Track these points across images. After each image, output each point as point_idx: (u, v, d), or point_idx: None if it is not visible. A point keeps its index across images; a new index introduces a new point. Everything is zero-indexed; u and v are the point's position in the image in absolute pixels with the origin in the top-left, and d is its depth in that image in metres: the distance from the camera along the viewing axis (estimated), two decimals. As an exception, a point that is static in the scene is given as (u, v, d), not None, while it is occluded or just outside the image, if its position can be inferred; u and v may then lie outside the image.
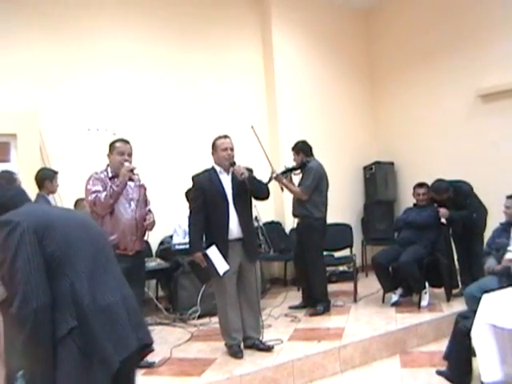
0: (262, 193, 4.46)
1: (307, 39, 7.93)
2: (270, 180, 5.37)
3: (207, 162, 4.51)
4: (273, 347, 4.31)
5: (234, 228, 4.24)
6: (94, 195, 3.95)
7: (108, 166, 4.19)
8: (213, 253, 4.15)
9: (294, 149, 5.71)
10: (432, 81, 7.46)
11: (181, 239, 6.08)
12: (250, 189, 4.28)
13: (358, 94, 8.37)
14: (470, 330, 3.29)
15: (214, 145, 4.37)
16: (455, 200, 5.56)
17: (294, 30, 7.81)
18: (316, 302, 5.54)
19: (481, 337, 3.02)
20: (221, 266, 4.13)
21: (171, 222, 6.32)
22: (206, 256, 4.17)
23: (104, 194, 3.95)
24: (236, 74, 7.59)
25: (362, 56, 8.49)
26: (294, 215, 5.70)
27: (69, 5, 6.29)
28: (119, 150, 4.17)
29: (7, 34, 5.95)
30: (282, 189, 5.63)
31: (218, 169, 4.33)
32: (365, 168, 8.11)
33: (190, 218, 4.37)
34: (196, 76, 7.23)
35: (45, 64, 6.15)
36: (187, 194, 5.47)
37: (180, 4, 7.13)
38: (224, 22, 7.51)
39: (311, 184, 5.42)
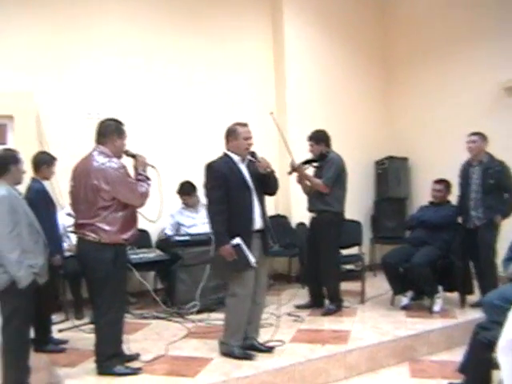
0: (275, 188, 4.19)
1: (319, 27, 7.61)
2: (292, 171, 5.21)
3: (213, 151, 4.22)
4: (273, 348, 4.05)
5: (257, 219, 4.00)
6: (144, 187, 3.69)
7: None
8: (243, 245, 3.86)
9: (313, 138, 5.38)
10: (451, 72, 7.08)
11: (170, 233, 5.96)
12: (268, 182, 4.07)
13: (371, 85, 8.03)
14: (490, 342, 3.00)
15: (233, 131, 4.02)
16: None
17: (305, 17, 7.49)
18: (322, 301, 5.35)
19: (509, 355, 2.70)
20: (251, 258, 3.87)
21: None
22: (235, 248, 3.83)
23: (148, 183, 3.75)
24: (245, 63, 7.32)
25: (376, 45, 8.13)
26: (311, 210, 5.40)
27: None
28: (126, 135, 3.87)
29: (3, 15, 5.73)
30: (301, 182, 5.38)
31: (234, 157, 4.00)
32: (377, 162, 7.79)
33: (211, 208, 3.93)
34: (203, 65, 6.98)
35: (43, 45, 5.94)
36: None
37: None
38: (234, 10, 7.26)
39: (333, 176, 5.18)
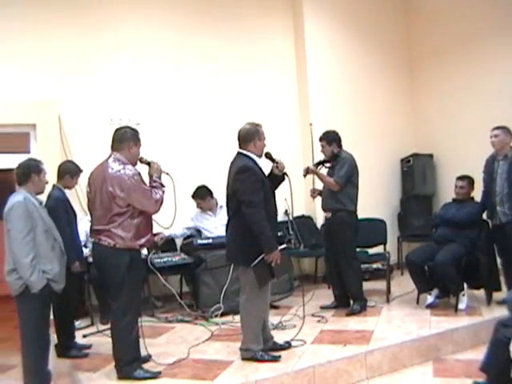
0: (277, 188, 4.16)
1: (341, 24, 7.57)
2: (307, 173, 5.26)
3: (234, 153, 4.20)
4: (290, 345, 4.09)
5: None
6: (159, 194, 3.73)
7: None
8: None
9: (324, 139, 5.35)
10: (476, 67, 6.93)
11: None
12: (278, 184, 4.09)
13: (395, 81, 7.93)
14: (510, 340, 2.93)
15: (257, 132, 3.98)
16: None
17: (326, 15, 7.47)
18: (347, 301, 5.32)
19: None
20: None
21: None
22: (281, 252, 3.81)
23: (163, 190, 3.79)
24: (266, 63, 7.33)
25: (400, 40, 8.03)
26: (325, 209, 5.38)
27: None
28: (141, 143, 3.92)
29: (26, 24, 5.86)
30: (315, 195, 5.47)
31: (256, 159, 3.96)
32: (402, 160, 7.69)
33: (255, 212, 3.73)
34: (224, 65, 7.02)
35: (65, 53, 6.05)
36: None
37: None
38: (254, 9, 7.27)
39: (345, 175, 5.16)
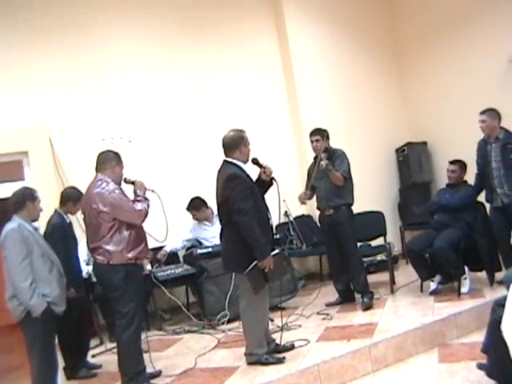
0: (265, 193, 4.18)
1: (323, 19, 7.60)
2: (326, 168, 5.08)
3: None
4: (293, 346, 4.11)
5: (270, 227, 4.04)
6: (142, 206, 3.84)
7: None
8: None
9: (319, 133, 5.28)
10: (463, 51, 6.91)
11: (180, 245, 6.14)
12: (267, 188, 4.12)
13: (383, 72, 7.95)
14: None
15: (242, 138, 4.00)
16: None
17: (307, 11, 7.50)
18: (352, 295, 5.36)
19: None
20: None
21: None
22: (274, 258, 3.83)
23: (147, 203, 3.91)
24: (252, 66, 7.37)
25: (384, 28, 8.04)
26: (326, 207, 5.32)
27: (78, 15, 6.24)
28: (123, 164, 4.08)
29: (12, 50, 5.93)
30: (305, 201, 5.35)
31: (242, 165, 3.98)
32: (397, 150, 7.71)
33: (246, 219, 3.75)
34: (212, 74, 7.08)
35: (52, 77, 6.12)
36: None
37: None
38: (235, 13, 7.32)
39: (348, 168, 5.18)
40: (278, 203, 4.04)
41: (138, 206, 3.82)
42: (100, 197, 3.75)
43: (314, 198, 5.48)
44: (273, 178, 4.08)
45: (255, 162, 4.10)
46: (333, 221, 5.28)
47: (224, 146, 4.04)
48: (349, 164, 5.23)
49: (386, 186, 7.67)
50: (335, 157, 5.24)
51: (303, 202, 5.30)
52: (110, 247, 3.71)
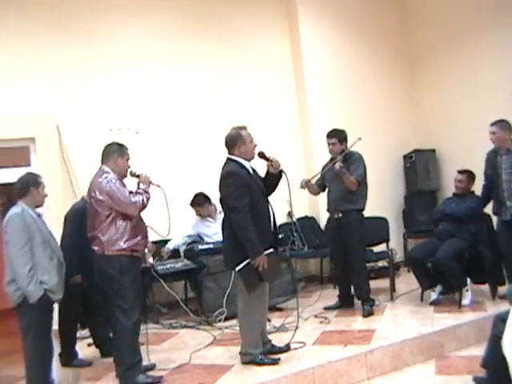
0: (276, 187, 4.14)
1: (337, 23, 7.55)
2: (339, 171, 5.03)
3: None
4: (288, 348, 4.08)
5: (271, 225, 3.98)
6: (139, 198, 3.84)
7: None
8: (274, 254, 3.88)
9: (335, 136, 5.22)
10: (475, 60, 6.85)
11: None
12: (276, 182, 4.07)
13: (394, 77, 7.88)
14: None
15: (239, 136, 3.95)
16: None
17: (320, 14, 7.45)
18: (351, 301, 5.33)
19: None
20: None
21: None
22: (268, 258, 3.78)
23: (146, 196, 3.90)
24: (264, 67, 7.34)
25: (397, 36, 7.97)
26: (335, 210, 5.25)
27: (86, 4, 6.21)
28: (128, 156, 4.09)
29: (23, 37, 5.91)
30: (307, 186, 5.28)
31: (244, 163, 3.95)
32: (404, 157, 7.65)
33: (239, 217, 3.74)
34: (221, 71, 7.03)
35: (62, 65, 6.10)
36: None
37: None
38: (248, 13, 7.28)
39: (363, 173, 5.11)
40: (289, 195, 4.02)
41: (135, 197, 3.83)
42: (98, 185, 3.80)
43: (324, 199, 5.42)
44: (281, 171, 4.04)
45: (261, 155, 4.07)
46: (340, 225, 5.20)
47: (225, 144, 4.05)
48: (365, 168, 5.15)
49: (392, 192, 7.61)
50: (351, 160, 5.15)
51: (302, 187, 5.23)
52: (105, 237, 3.73)
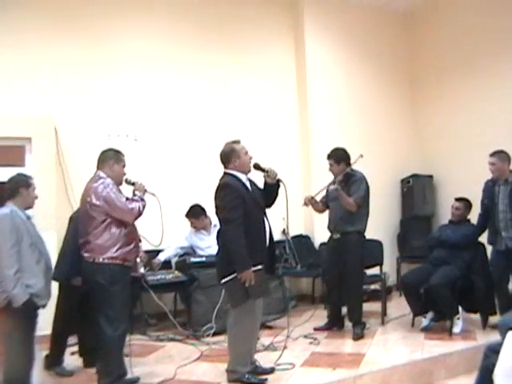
0: (276, 198, 4.09)
1: (342, 40, 7.60)
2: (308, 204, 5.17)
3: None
4: (273, 369, 4.00)
5: (266, 240, 3.94)
6: (136, 205, 3.83)
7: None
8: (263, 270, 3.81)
9: (332, 157, 5.21)
10: (478, 89, 6.93)
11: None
12: (275, 192, 4.03)
13: (396, 101, 7.93)
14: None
15: (233, 150, 3.94)
16: None
17: (327, 31, 7.50)
18: (342, 323, 5.28)
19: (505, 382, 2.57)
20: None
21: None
22: (256, 274, 3.72)
23: (142, 203, 3.89)
24: (266, 76, 7.35)
25: (402, 60, 8.04)
26: (334, 230, 5.24)
27: (87, 6, 6.20)
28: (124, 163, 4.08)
29: (22, 36, 5.87)
30: (311, 203, 5.27)
31: (240, 176, 3.93)
32: (402, 181, 7.65)
33: (231, 229, 3.73)
34: (223, 79, 7.03)
35: (62, 66, 6.07)
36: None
37: (207, 4, 6.94)
38: (254, 23, 7.31)
39: (364, 195, 5.06)
40: (286, 206, 3.98)
41: (132, 204, 3.81)
42: (94, 190, 3.77)
43: (320, 218, 5.39)
44: (279, 180, 4.02)
45: (256, 167, 4.05)
46: (339, 246, 5.16)
47: (220, 160, 4.05)
48: (366, 190, 5.11)
49: (388, 215, 7.60)
50: (352, 181, 5.11)
51: (306, 204, 5.25)
52: (97, 242, 3.70)
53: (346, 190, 5.06)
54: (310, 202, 5.24)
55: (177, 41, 6.75)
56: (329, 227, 5.34)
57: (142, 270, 5.52)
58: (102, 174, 3.90)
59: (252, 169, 4.02)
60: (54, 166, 5.69)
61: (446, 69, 7.39)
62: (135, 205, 3.81)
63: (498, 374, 2.64)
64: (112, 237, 3.73)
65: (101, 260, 3.68)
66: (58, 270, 4.27)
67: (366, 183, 5.14)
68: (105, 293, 3.65)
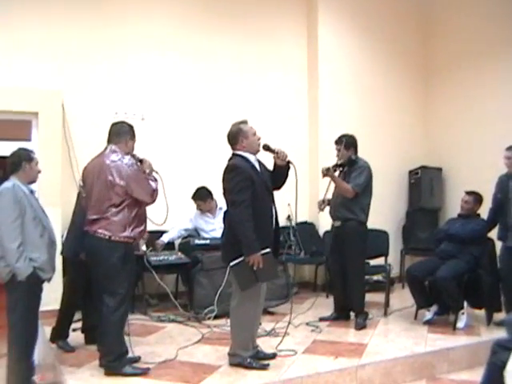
0: (286, 181, 4.01)
1: (356, 31, 7.47)
2: (326, 175, 4.95)
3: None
4: (275, 355, 3.97)
5: (273, 223, 3.87)
6: (154, 185, 3.76)
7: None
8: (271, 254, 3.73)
9: (340, 143, 5.14)
10: (492, 83, 6.80)
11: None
12: (284, 174, 3.94)
13: (409, 92, 7.81)
14: (504, 364, 2.81)
15: (240, 130, 3.85)
16: None
17: (341, 20, 7.38)
18: (348, 314, 5.21)
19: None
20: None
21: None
22: (264, 257, 3.64)
23: (156, 183, 3.80)
24: (277, 64, 7.25)
25: (416, 50, 7.90)
26: (334, 217, 5.19)
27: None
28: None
29: (32, 10, 5.79)
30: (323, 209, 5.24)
31: (249, 157, 3.84)
32: (410, 172, 7.57)
33: (238, 212, 3.64)
34: (233, 64, 6.94)
35: (71, 42, 5.99)
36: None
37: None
38: (267, 9, 7.18)
39: (364, 183, 4.97)
40: (295, 188, 3.89)
41: (153, 184, 3.73)
42: (117, 169, 3.64)
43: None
44: (289, 162, 3.92)
45: (266, 148, 3.96)
46: (340, 234, 5.12)
47: (228, 142, 3.97)
48: (369, 179, 5.04)
49: (394, 206, 7.53)
50: (354, 168, 5.05)
51: (321, 209, 5.24)
52: (115, 220, 3.61)
53: (347, 177, 5.03)
54: (324, 203, 5.19)
55: (188, 22, 6.66)
56: (330, 213, 5.29)
57: (143, 247, 5.48)
58: (117, 148, 3.77)
59: (261, 150, 3.94)
60: (60, 141, 5.63)
61: (461, 61, 7.26)
62: (155, 185, 3.73)
63: (509, 371, 2.58)
64: (129, 217, 3.65)
65: (117, 238, 3.60)
66: (67, 244, 4.22)
67: (370, 172, 5.07)
68: (116, 271, 3.59)
